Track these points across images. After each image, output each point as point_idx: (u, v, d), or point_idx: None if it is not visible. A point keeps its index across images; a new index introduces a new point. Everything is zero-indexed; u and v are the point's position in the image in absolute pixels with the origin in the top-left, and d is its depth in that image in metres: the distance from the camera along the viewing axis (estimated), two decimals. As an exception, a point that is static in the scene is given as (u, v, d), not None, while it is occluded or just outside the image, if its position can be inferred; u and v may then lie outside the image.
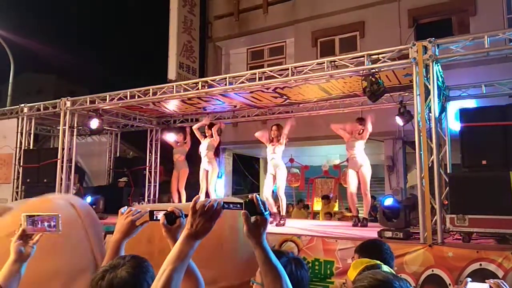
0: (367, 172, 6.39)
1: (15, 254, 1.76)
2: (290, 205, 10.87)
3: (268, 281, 1.41)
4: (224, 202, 1.43)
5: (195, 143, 8.17)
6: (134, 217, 1.87)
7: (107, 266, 1.57)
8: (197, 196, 1.42)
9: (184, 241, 1.39)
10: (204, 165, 7.58)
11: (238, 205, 1.43)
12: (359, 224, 6.26)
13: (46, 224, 1.78)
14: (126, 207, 1.95)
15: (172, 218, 1.65)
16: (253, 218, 1.39)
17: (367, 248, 2.60)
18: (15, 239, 1.78)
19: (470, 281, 1.70)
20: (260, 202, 1.40)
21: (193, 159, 8.52)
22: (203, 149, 7.63)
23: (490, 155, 4.61)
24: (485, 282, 1.69)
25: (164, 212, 1.68)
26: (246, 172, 14.38)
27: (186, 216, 1.72)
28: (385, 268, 2.26)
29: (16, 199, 7.80)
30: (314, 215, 10.91)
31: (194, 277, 1.69)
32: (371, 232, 5.21)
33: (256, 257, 1.44)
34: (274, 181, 6.69)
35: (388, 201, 4.93)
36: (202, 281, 1.68)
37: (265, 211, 1.41)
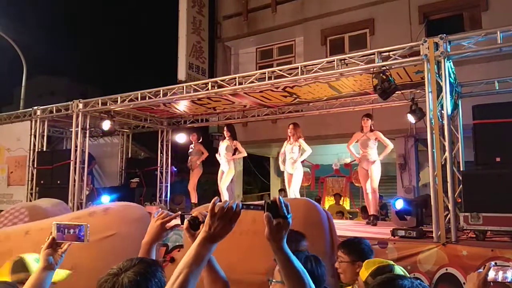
0: (377, 170, 6.40)
1: (43, 262, 1.76)
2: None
3: (291, 285, 1.38)
4: (243, 204, 1.38)
5: (209, 145, 8.17)
6: (164, 221, 1.84)
7: (116, 269, 1.54)
8: (215, 197, 1.36)
9: (201, 244, 1.32)
10: (222, 166, 7.60)
11: (259, 207, 1.38)
12: (375, 223, 6.23)
13: (72, 232, 1.77)
14: (159, 209, 1.91)
15: (196, 224, 1.60)
16: (275, 221, 1.34)
17: (349, 243, 2.84)
18: (44, 247, 1.78)
19: (494, 265, 1.66)
20: (283, 205, 1.35)
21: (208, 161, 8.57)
22: (221, 150, 7.63)
23: (504, 152, 4.54)
24: (509, 266, 1.66)
25: (189, 217, 1.64)
26: (257, 172, 14.37)
27: None
28: (398, 269, 2.25)
29: (30, 201, 7.91)
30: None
31: (221, 281, 1.67)
32: (384, 230, 5.16)
33: (277, 261, 1.39)
34: (290, 180, 6.72)
35: (399, 204, 4.83)
36: (228, 284, 1.66)
37: (288, 214, 1.36)
